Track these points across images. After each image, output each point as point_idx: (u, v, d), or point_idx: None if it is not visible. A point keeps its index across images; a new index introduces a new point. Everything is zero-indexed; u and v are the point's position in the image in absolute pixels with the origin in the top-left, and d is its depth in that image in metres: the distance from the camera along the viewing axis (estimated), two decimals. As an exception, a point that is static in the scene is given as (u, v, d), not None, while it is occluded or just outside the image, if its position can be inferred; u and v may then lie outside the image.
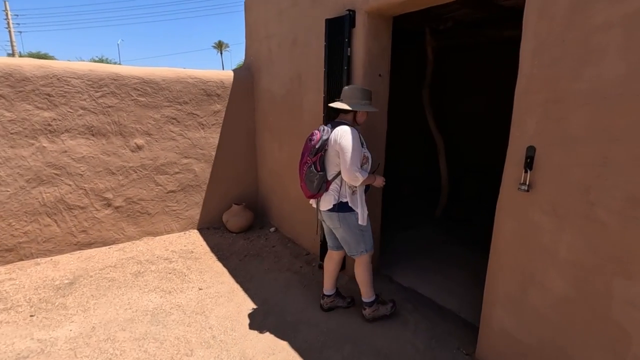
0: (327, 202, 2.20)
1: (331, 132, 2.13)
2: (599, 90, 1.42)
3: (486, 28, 3.74)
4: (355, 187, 2.16)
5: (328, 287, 2.56)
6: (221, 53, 56.77)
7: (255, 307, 2.63)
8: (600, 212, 1.47)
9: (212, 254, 3.50)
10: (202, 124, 3.90)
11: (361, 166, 2.12)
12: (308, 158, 2.11)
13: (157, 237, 3.82)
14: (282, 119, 3.70)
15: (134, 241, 3.69)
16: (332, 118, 2.27)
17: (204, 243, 3.75)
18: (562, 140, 1.55)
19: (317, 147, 2.08)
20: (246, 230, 4.06)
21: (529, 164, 1.67)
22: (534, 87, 1.63)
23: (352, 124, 2.23)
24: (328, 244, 2.50)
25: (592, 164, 1.47)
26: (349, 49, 2.64)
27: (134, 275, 3.05)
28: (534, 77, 1.62)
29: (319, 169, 2.10)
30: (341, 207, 2.18)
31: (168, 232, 3.90)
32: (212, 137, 3.99)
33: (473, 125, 5.37)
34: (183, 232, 3.98)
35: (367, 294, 2.44)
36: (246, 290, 2.87)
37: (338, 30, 2.69)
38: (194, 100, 3.79)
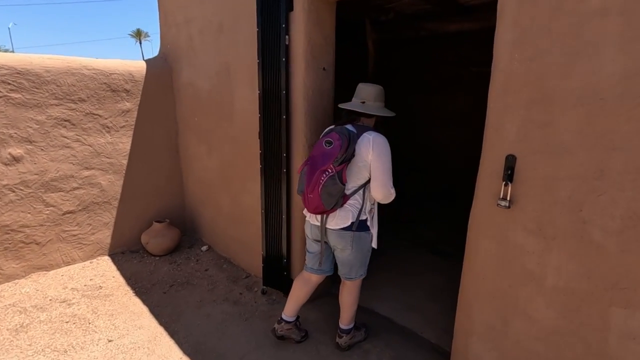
0: (341, 219, 1.84)
1: (358, 137, 1.78)
2: (594, 89, 1.20)
3: (430, 21, 3.57)
4: (374, 204, 1.92)
5: (290, 313, 2.17)
6: (140, 42, 51.71)
7: (185, 358, 2.10)
8: (595, 232, 1.26)
9: (127, 288, 2.83)
10: (107, 127, 3.15)
11: None
12: (331, 166, 1.71)
13: (52, 272, 3.01)
14: (210, 119, 3.13)
15: (16, 281, 2.85)
16: (346, 119, 1.93)
17: (117, 273, 3.04)
18: (549, 149, 1.32)
19: (345, 155, 1.71)
20: (172, 252, 3.42)
21: (509, 175, 1.42)
22: (515, 85, 1.37)
23: (375, 127, 1.93)
24: (309, 266, 2.12)
25: (585, 176, 1.25)
26: (287, 36, 2.21)
27: (13, 332, 2.29)
28: (514, 73, 1.36)
29: (345, 181, 1.74)
30: (359, 226, 1.85)
31: (67, 264, 3.11)
32: (122, 143, 3.26)
33: (418, 121, 5.30)
34: (89, 262, 3.21)
35: (348, 321, 2.12)
36: (173, 334, 2.31)
37: (273, 14, 2.24)
38: (93, 97, 3.03)
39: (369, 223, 1.89)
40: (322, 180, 1.71)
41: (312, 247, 2.07)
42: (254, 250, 2.86)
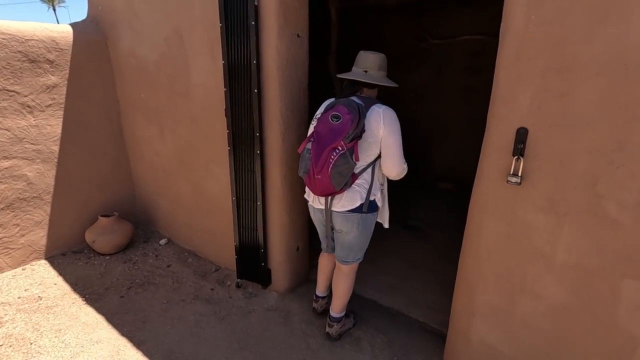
0: (350, 200, 1.69)
1: (366, 111, 1.61)
2: (618, 55, 1.11)
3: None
4: (383, 182, 1.80)
5: (323, 289, 2.22)
6: (54, 9, 45.15)
7: (157, 371, 1.84)
8: (611, 207, 1.22)
9: (75, 296, 2.43)
10: (29, 106, 2.60)
11: None
12: (342, 143, 1.52)
13: (-27, 285, 2.49)
14: (161, 96, 2.71)
15: None
16: (353, 93, 1.75)
17: (59, 279, 2.61)
18: (566, 121, 1.23)
19: (356, 130, 1.53)
20: (125, 249, 3.02)
21: (520, 150, 1.32)
22: (530, 51, 1.25)
23: (379, 98, 1.79)
24: (324, 247, 2.09)
25: (603, 149, 1.19)
26: (255, -5, 1.89)
27: None
28: (530, 37, 1.24)
29: (357, 159, 1.58)
30: (369, 207, 1.72)
31: (-7, 273, 2.60)
32: (50, 125, 2.72)
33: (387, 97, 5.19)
34: (21, 268, 2.71)
35: (340, 308, 2.01)
36: (139, 345, 2.02)
37: (236, -32, 1.90)
38: (6, 69, 2.44)
39: (379, 203, 1.77)
40: (333, 158, 1.52)
41: (322, 230, 1.94)
42: (224, 240, 2.60)
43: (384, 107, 1.65)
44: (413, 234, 3.40)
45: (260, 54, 1.98)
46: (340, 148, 1.52)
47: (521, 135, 1.32)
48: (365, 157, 1.65)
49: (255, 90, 2.00)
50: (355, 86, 1.75)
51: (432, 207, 4.03)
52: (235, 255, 2.44)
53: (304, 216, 2.45)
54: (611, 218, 1.22)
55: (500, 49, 1.33)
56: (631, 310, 1.26)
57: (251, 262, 2.40)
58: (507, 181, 1.36)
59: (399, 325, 2.19)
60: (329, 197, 1.71)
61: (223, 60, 2.07)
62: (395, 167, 1.64)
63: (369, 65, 1.72)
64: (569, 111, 1.22)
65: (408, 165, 1.70)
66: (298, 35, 2.05)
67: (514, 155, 1.34)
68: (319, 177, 1.57)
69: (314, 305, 2.24)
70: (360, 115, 1.53)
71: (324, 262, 2.14)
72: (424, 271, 2.76)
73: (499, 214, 1.44)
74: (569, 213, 1.29)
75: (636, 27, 1.07)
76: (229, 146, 2.22)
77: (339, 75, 1.81)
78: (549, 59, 1.22)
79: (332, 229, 1.85)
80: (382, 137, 1.61)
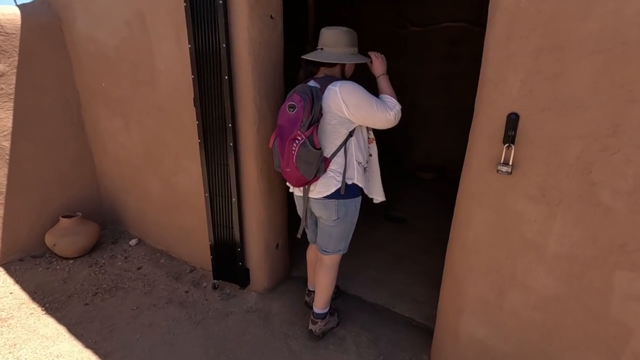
0: (325, 186, 1.64)
1: (322, 92, 1.55)
2: (615, 32, 1.03)
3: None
4: (368, 158, 1.73)
5: (313, 282, 2.13)
6: (13, -4, 42.23)
7: (125, 385, 1.69)
8: (605, 194, 1.16)
9: (33, 305, 2.22)
10: (-28, 98, 2.33)
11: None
12: (299, 132, 1.50)
13: None
14: (124, 85, 2.49)
15: None
16: (308, 75, 1.69)
17: (15, 288, 2.38)
18: (558, 104, 1.16)
19: (311, 116, 1.49)
20: (90, 252, 2.80)
21: (511, 137, 1.24)
22: (521, 29, 1.16)
23: (341, 77, 1.67)
24: (310, 237, 1.98)
25: (597, 133, 1.12)
26: (222, -28, 1.72)
27: None
28: (521, 13, 1.15)
29: (318, 145, 1.53)
30: (347, 192, 1.65)
31: (-62, 284, 2.34)
32: (-1, 118, 2.46)
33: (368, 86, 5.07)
34: (-29, 277, 2.46)
35: (323, 304, 1.92)
36: (106, 356, 1.86)
37: (200, -60, 1.72)
38: (-58, 55, 2.17)
39: (361, 184, 1.68)
40: (294, 150, 1.51)
41: (306, 204, 1.81)
42: (198, 239, 2.44)
43: (340, 82, 1.54)
44: (397, 225, 3.34)
45: (230, 37, 1.82)
46: (299, 138, 1.49)
47: (512, 122, 1.23)
48: (333, 140, 1.58)
49: (226, 77, 1.84)
50: (310, 67, 1.67)
51: (414, 197, 3.98)
52: (211, 254, 2.29)
53: (283, 211, 2.32)
54: (605, 206, 1.16)
55: (489, 28, 1.24)
56: (624, 301, 1.21)
57: (228, 262, 2.26)
58: (498, 171, 1.28)
59: (385, 321, 2.11)
60: (308, 185, 1.65)
61: (189, 44, 1.89)
62: (383, 122, 1.55)
63: (326, 42, 1.60)
64: (562, 94, 1.14)
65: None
66: (271, 17, 1.90)
67: (504, 143, 1.26)
68: (288, 170, 1.57)
69: (306, 299, 2.21)
70: (313, 99, 1.48)
71: (311, 253, 2.08)
72: (410, 263, 2.70)
73: (488, 204, 1.37)
74: (562, 202, 1.23)
75: (635, 1, 0.99)
76: (199, 138, 2.06)
77: (303, 57, 1.67)
78: (542, 37, 1.13)
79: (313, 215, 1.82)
80: (351, 115, 1.53)
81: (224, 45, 1.79)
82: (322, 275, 1.86)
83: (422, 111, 4.75)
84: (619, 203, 1.14)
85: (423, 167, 4.69)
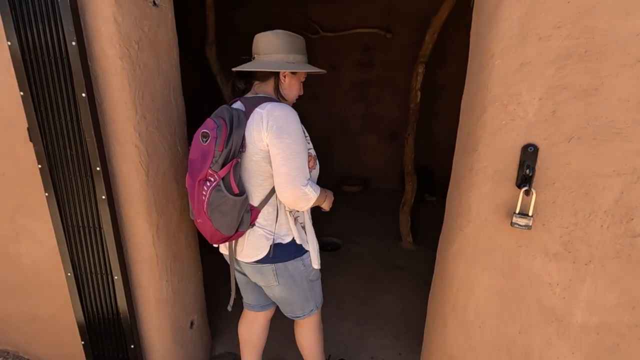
0: (253, 247, 1.20)
1: (247, 117, 1.09)
2: (671, 33, 0.74)
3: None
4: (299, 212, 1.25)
5: None
6: None
7: None
8: (648, 248, 0.88)
9: None
10: None
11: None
12: (210, 172, 1.06)
13: None
14: None
15: None
16: (239, 93, 1.24)
17: None
18: (591, 131, 0.84)
19: (226, 148, 1.05)
20: None
21: (528, 177, 0.89)
22: (542, 26, 0.81)
23: (278, 98, 1.21)
24: (245, 301, 1.47)
25: (641, 170, 0.83)
26: None
27: None
28: (543, 4, 0.79)
29: (236, 190, 1.08)
30: (282, 253, 1.21)
31: None
32: None
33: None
34: None
35: None
36: None
37: None
38: None
39: (298, 241, 1.22)
40: (205, 195, 1.07)
41: (238, 276, 1.39)
42: (65, 331, 1.63)
43: (272, 104, 1.09)
44: (331, 253, 2.93)
45: (86, 32, 1.14)
46: (211, 179, 1.06)
47: (529, 156, 0.88)
48: (260, 183, 1.14)
49: (83, 95, 1.15)
50: (236, 83, 1.23)
51: (342, 215, 3.64)
52: (86, 356, 1.52)
53: (197, 275, 1.68)
54: (648, 262, 0.89)
55: (493, 24, 0.86)
56: (667, 375, 0.96)
57: (116, 365, 1.52)
58: (513, 224, 0.91)
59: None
60: (233, 241, 1.22)
61: (8, 41, 1.14)
62: (285, 188, 1.06)
63: (260, 49, 1.18)
64: (597, 117, 0.82)
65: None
66: (154, 4, 1.27)
67: (519, 186, 0.90)
68: (200, 220, 1.13)
69: None
70: (230, 126, 1.05)
71: (245, 326, 1.51)
72: (357, 304, 2.29)
73: (495, 265, 1.00)
74: (593, 260, 0.92)
75: (703, -10, 0.71)
76: (46, 190, 1.30)
77: (234, 69, 1.20)
78: (570, 38, 0.79)
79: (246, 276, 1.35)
80: (269, 147, 1.07)
81: (73, 43, 1.10)
82: (305, 338, 1.44)
83: (339, 121, 4.49)
84: (665, 257, 0.87)
85: (346, 181, 4.42)
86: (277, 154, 1.06)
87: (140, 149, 1.27)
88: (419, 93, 2.63)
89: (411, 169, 2.85)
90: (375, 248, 2.98)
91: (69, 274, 1.39)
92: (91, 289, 1.41)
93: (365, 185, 4.40)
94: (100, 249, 1.34)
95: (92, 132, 1.19)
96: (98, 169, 1.23)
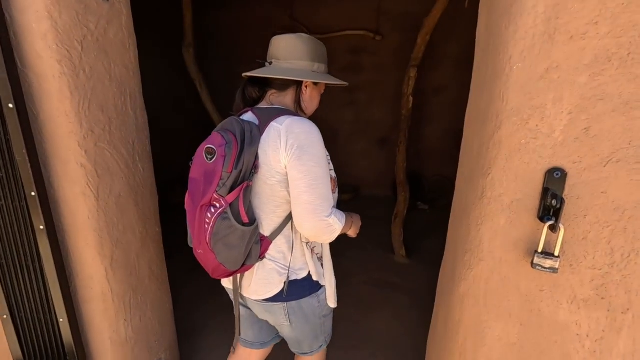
0: (262, 283, 1.01)
1: (261, 133, 0.91)
2: None
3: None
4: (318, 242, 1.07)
5: None
6: None
7: None
8: (700, 294, 0.72)
9: None
10: None
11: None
12: (216, 197, 0.87)
13: None
14: None
15: None
16: (249, 102, 1.06)
17: None
18: (634, 152, 0.67)
19: (236, 169, 0.86)
20: None
21: (554, 209, 0.72)
22: (574, 21, 0.64)
23: (297, 111, 1.04)
24: (243, 337, 1.25)
25: (695, 201, 0.67)
26: None
27: None
28: (576, -6, 0.63)
29: (245, 219, 0.89)
30: (296, 290, 1.02)
31: None
32: None
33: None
34: None
35: None
36: None
37: None
38: None
39: (315, 277, 1.05)
40: (208, 223, 0.89)
41: (237, 304, 1.17)
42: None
43: (291, 118, 0.91)
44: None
45: (14, 29, 0.94)
46: (216, 204, 0.88)
47: (555, 182, 0.71)
48: (273, 210, 0.95)
49: (11, 105, 0.95)
50: (249, 90, 1.04)
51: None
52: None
53: (164, 310, 1.48)
54: (700, 311, 0.72)
55: (511, 19, 0.69)
56: None
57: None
58: (534, 265, 0.74)
59: None
60: (238, 275, 1.05)
61: None
62: (306, 219, 0.89)
63: (281, 54, 1.00)
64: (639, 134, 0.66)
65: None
66: (104, -3, 1.07)
67: (542, 219, 0.73)
68: (200, 251, 0.95)
69: None
70: (242, 142, 0.87)
71: None
72: (346, 329, 2.11)
73: (512, 312, 0.83)
74: (632, 308, 0.75)
75: None
76: (-28, 220, 1.08)
77: (243, 75, 1.05)
78: (609, 36, 0.63)
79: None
80: (288, 170, 0.89)
81: (-6, 42, 0.90)
82: None
83: (329, 127, 4.32)
84: None
85: (340, 189, 4.24)
86: (298, 179, 0.89)
87: (88, 168, 1.07)
88: (411, 98, 2.47)
89: (403, 179, 2.69)
90: (366, 263, 2.80)
91: (5, 317, 1.17)
92: (33, 334, 1.20)
93: (356, 192, 4.23)
94: (41, 287, 1.13)
95: (24, 151, 0.98)
96: (33, 194, 1.02)
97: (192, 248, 1.02)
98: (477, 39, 0.87)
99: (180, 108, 3.93)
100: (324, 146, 0.93)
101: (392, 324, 2.11)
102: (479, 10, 0.84)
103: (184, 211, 0.97)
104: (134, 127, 1.23)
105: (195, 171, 0.93)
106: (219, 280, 1.11)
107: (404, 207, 2.69)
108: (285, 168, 0.89)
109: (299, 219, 0.90)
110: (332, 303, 1.11)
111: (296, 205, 0.90)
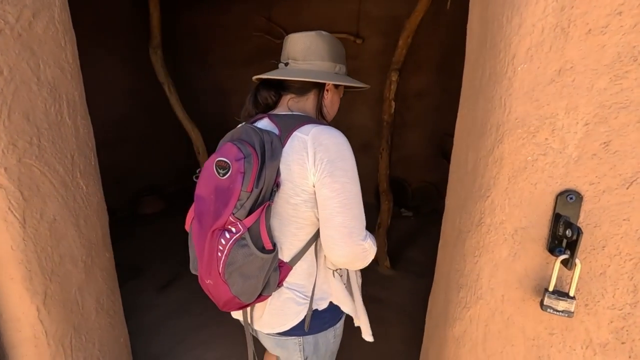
0: (277, 314, 0.87)
1: (283, 144, 0.78)
2: None
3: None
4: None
5: None
6: None
7: None
8: None
9: None
10: None
11: None
12: (232, 220, 0.73)
13: None
14: None
15: None
16: (262, 108, 0.92)
17: None
18: (663, 173, 0.55)
19: (257, 188, 0.72)
20: None
21: (568, 240, 0.59)
22: (592, 12, 0.51)
23: (318, 117, 0.90)
24: None
25: None
26: None
27: None
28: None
29: (269, 245, 0.75)
30: (316, 323, 0.88)
31: None
32: None
33: (228, 102, 4.15)
34: None
35: None
36: None
37: None
38: None
39: (345, 308, 0.94)
40: (222, 251, 0.74)
41: (249, 338, 1.03)
42: None
43: (316, 127, 0.78)
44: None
45: None
46: (232, 229, 0.74)
47: (569, 208, 0.58)
48: (294, 233, 0.83)
49: None
50: (263, 94, 0.90)
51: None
52: None
53: (117, 347, 1.29)
54: None
55: (515, 10, 0.57)
56: None
57: None
58: (544, 307, 0.61)
59: None
60: (251, 307, 0.93)
61: None
62: (343, 246, 0.76)
63: (299, 53, 0.88)
64: (674, 152, 0.54)
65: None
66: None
67: (553, 252, 0.60)
68: (210, 282, 0.80)
69: None
70: (264, 157, 0.75)
71: None
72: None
73: (516, 358, 0.70)
74: (658, 353, 0.63)
75: None
76: None
77: (254, 78, 0.94)
78: (635, 31, 0.51)
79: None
80: (317, 188, 0.77)
81: None
82: None
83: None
84: None
85: (318, 196, 4.10)
86: (330, 198, 0.76)
87: (9, 189, 0.89)
88: (393, 103, 2.36)
89: (386, 188, 2.57)
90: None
91: None
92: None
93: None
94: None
95: None
96: (-64, 223, 0.83)
97: (193, 273, 0.87)
98: (468, 36, 0.75)
99: (152, 112, 3.71)
100: (354, 159, 0.80)
101: (379, 345, 1.97)
102: (470, 1, 0.72)
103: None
104: (72, 139, 1.05)
105: (204, 188, 0.80)
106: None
107: (387, 217, 2.57)
108: (314, 186, 0.77)
109: (331, 243, 0.77)
110: (369, 336, 0.99)
111: (328, 228, 0.77)
